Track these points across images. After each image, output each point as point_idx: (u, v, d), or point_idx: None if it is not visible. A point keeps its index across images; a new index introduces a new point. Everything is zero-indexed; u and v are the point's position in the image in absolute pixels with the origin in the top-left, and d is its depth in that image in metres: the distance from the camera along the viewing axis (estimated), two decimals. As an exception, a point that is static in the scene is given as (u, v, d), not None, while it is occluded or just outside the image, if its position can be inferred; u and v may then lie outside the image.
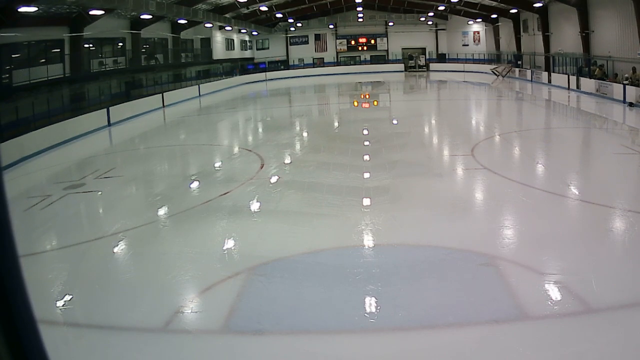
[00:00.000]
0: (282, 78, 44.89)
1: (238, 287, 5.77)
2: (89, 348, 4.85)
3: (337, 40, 49.82)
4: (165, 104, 27.04)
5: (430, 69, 47.39)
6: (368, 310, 5.24)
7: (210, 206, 9.15)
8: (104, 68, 24.90)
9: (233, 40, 43.87)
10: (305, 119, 23.14)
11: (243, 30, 43.61)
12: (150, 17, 25.38)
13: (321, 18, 49.00)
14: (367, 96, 32.24)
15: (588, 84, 24.00)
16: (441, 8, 41.48)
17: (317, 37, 50.11)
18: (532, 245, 6.73)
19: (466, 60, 44.63)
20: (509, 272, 5.85)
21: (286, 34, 49.71)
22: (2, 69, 18.22)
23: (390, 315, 5.08)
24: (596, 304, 5.05)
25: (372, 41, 49.62)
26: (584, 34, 25.97)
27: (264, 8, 38.67)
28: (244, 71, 45.19)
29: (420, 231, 7.48)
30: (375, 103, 28.62)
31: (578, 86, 25.24)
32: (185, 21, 29.98)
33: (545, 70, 30.60)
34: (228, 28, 38.43)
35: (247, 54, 48.13)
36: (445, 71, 44.31)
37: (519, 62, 36.17)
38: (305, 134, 18.45)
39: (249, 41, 48.56)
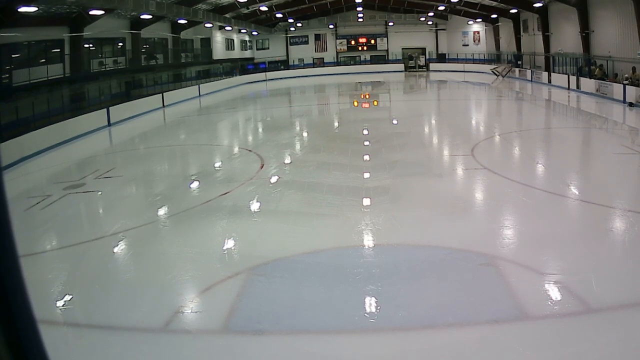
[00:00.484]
0: (282, 78, 44.90)
1: (238, 287, 5.77)
2: (89, 348, 4.85)
3: (337, 40, 49.83)
4: (165, 104, 27.04)
5: (430, 69, 47.41)
6: (368, 310, 5.24)
7: (210, 206, 9.15)
8: (104, 68, 24.89)
9: (233, 40, 43.87)
10: (305, 119, 23.14)
11: (243, 30, 43.61)
12: (150, 17, 25.38)
13: (321, 18, 49.01)
14: (367, 96, 32.25)
15: (588, 84, 24.00)
16: (441, 8, 41.48)
17: (317, 37, 50.12)
18: (532, 245, 6.73)
19: (466, 60, 44.63)
20: (509, 272, 5.85)
21: (286, 34, 49.72)
22: (2, 69, 18.22)
23: (390, 315, 5.07)
24: (596, 304, 5.04)
25: (372, 41, 49.62)
26: (584, 34, 25.97)
27: (264, 8, 38.67)
28: (244, 71, 45.19)
29: (420, 231, 7.48)
30: (375, 103, 28.62)
31: (578, 86, 25.24)
32: (185, 21, 29.98)
33: (545, 70, 30.60)
34: (228, 28, 38.43)
35: (247, 54, 48.14)
36: (445, 71, 44.32)
37: (519, 62, 36.17)
38: (305, 134, 18.45)
39: (249, 41, 48.57)
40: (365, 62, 49.24)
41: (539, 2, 29.27)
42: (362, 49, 49.71)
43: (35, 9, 17.26)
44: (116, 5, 21.13)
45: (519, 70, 35.19)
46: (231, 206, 9.19)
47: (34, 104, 17.23)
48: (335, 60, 49.80)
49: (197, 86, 33.22)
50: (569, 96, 24.71)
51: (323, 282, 5.87)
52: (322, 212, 8.49)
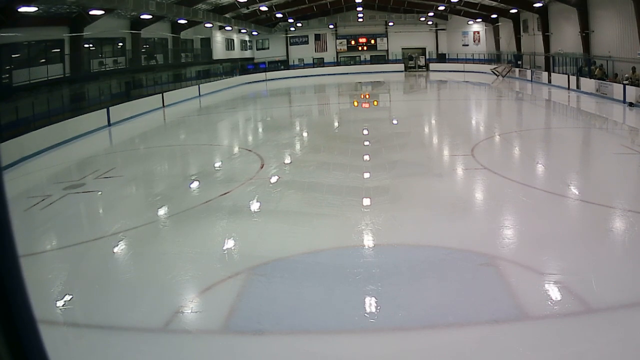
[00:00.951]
0: (282, 78, 44.88)
1: (238, 287, 5.77)
2: (89, 348, 4.85)
3: (337, 40, 49.83)
4: (165, 104, 27.04)
5: (430, 69, 47.41)
6: (368, 310, 5.24)
7: (210, 206, 9.15)
8: (104, 68, 24.90)
9: (233, 40, 43.87)
10: (305, 119, 23.15)
11: (243, 30, 43.61)
12: (150, 17, 25.38)
13: (321, 18, 49.01)
14: (367, 96, 32.25)
15: (588, 84, 24.00)
16: (441, 8, 41.48)
17: (317, 37, 50.12)
18: (532, 245, 6.73)
19: (466, 60, 44.63)
20: (509, 272, 5.85)
21: (286, 34, 49.72)
22: (2, 69, 18.22)
23: (390, 315, 5.07)
24: (596, 304, 5.04)
25: (372, 41, 49.62)
26: (584, 34, 25.97)
27: (264, 8, 38.68)
28: (244, 71, 45.19)
29: (420, 231, 7.48)
30: (375, 103, 28.62)
31: (578, 86, 25.24)
32: (185, 21, 29.98)
33: (545, 70, 30.60)
34: (228, 28, 38.43)
35: (247, 54, 48.14)
36: (445, 71, 44.32)
37: (519, 62, 36.17)
38: (305, 134, 18.45)
39: (249, 41, 48.57)
40: (365, 62, 49.24)
41: (539, 2, 29.28)
42: (362, 49, 49.71)
43: (35, 9, 17.26)
44: (116, 5, 21.13)
45: (519, 70, 35.19)
46: (231, 206, 9.19)
47: (34, 104, 17.24)
48: (335, 60, 49.80)
49: (197, 86, 33.22)
50: (569, 96, 24.71)
51: (323, 282, 5.87)
52: (322, 212, 8.49)
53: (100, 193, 10.78)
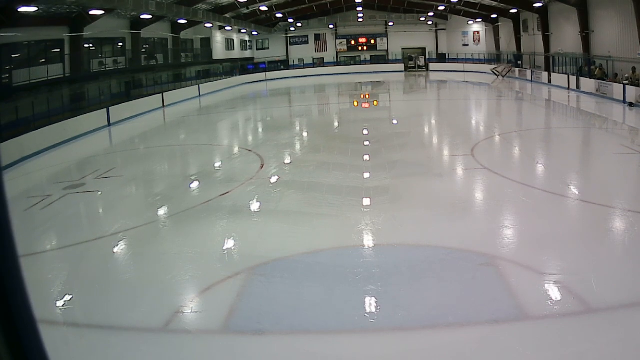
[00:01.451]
0: (282, 78, 44.89)
1: (238, 287, 5.77)
2: (89, 348, 4.85)
3: (337, 40, 49.83)
4: (165, 104, 27.04)
5: (430, 69, 47.41)
6: (368, 310, 5.23)
7: (210, 206, 9.15)
8: (104, 68, 24.89)
9: (233, 40, 43.87)
10: (305, 119, 23.15)
11: (243, 30, 43.61)
12: (150, 17, 25.38)
13: (321, 18, 49.01)
14: (367, 96, 32.25)
15: (588, 84, 24.00)
16: (441, 8, 41.48)
17: (317, 37, 50.12)
18: (532, 245, 6.72)
19: (466, 60, 44.63)
20: (509, 272, 5.85)
21: (286, 34, 49.72)
22: (2, 69, 18.22)
23: (390, 315, 5.07)
24: (596, 304, 5.04)
25: (372, 41, 49.63)
26: (584, 34, 25.97)
27: (264, 8, 38.67)
28: (244, 71, 45.19)
29: (420, 231, 7.48)
30: (375, 103, 28.62)
31: (578, 86, 25.24)
32: (185, 21, 29.98)
33: (545, 70, 30.60)
34: (228, 28, 38.43)
35: (247, 54, 48.14)
36: (445, 71, 44.32)
37: (519, 62, 36.17)
38: (305, 134, 18.45)
39: (249, 41, 48.57)
40: (365, 62, 49.24)
41: (539, 2, 29.28)
42: (362, 49, 49.71)
43: (35, 9, 17.26)
44: (116, 5, 21.14)
45: (519, 70, 35.19)
46: (231, 206, 9.19)
47: (34, 104, 17.23)
48: (335, 60, 49.80)
49: (197, 86, 33.22)
50: (569, 96, 24.71)
51: (323, 282, 5.87)
52: (322, 212, 8.49)
53: (100, 193, 10.78)
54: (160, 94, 27.32)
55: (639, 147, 12.98)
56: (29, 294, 0.99)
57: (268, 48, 49.90)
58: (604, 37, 24.45)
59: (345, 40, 49.69)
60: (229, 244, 7.39)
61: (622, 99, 20.02)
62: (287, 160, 13.12)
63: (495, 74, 37.43)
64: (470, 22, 44.35)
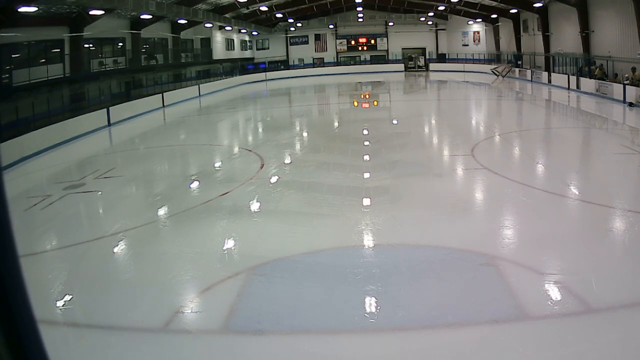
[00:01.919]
0: (282, 78, 44.89)
1: (238, 287, 5.77)
2: (89, 348, 4.85)
3: (337, 40, 49.84)
4: (165, 104, 27.04)
5: (430, 69, 47.41)
6: (368, 310, 5.23)
7: (210, 206, 9.15)
8: (104, 68, 24.89)
9: (233, 40, 43.87)
10: (305, 119, 23.15)
11: (243, 30, 43.61)
12: (150, 17, 25.38)
13: (321, 18, 49.01)
14: (367, 96, 32.25)
15: (588, 84, 24.00)
16: (441, 8, 41.48)
17: (317, 37, 50.12)
18: (532, 245, 6.72)
19: (466, 60, 44.63)
20: (509, 272, 5.85)
21: (286, 34, 49.72)
22: (2, 69, 18.22)
23: (390, 315, 5.07)
24: (596, 304, 5.04)
25: (372, 41, 49.63)
26: (584, 34, 25.97)
27: (264, 8, 38.67)
28: (244, 71, 45.19)
29: (420, 231, 7.48)
30: (375, 103, 28.62)
31: (578, 86, 25.24)
32: (185, 21, 29.98)
33: (545, 70, 30.60)
34: (228, 28, 38.43)
35: (247, 54, 48.13)
36: (445, 71, 44.32)
37: (519, 62, 36.17)
38: (305, 134, 18.45)
39: (249, 41, 48.57)
40: (365, 62, 49.25)
41: (539, 2, 29.28)
42: (362, 49, 49.71)
43: (35, 9, 17.26)
44: (116, 5, 21.13)
45: (519, 70, 35.19)
46: (231, 206, 9.19)
47: (34, 104, 17.23)
48: (335, 60, 49.80)
49: (197, 86, 33.22)
50: (569, 96, 24.71)
51: (323, 282, 5.87)
52: (322, 212, 8.49)
53: (100, 193, 10.78)
54: (160, 94, 27.31)
55: (639, 147, 12.98)
56: (29, 294, 0.99)
57: (268, 48, 49.90)
58: (604, 37, 24.45)
59: (345, 40, 49.70)
60: (229, 244, 7.39)
61: (622, 99, 20.02)
62: (287, 160, 13.12)
63: (495, 74, 37.43)
64: (470, 22, 44.35)
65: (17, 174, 12.63)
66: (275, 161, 12.83)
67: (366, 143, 15.08)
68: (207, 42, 38.14)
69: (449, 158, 12.82)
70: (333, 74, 45.64)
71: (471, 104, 25.86)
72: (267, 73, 46.10)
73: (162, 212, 9.30)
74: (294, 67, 49.05)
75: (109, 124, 20.60)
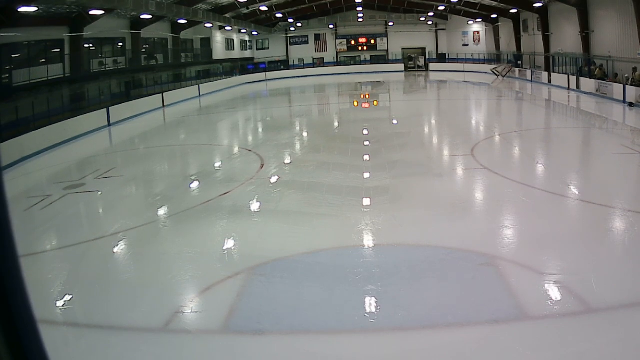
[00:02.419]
0: (282, 78, 44.89)
1: (238, 287, 5.77)
2: (89, 348, 4.85)
3: (337, 40, 49.84)
4: (165, 104, 27.04)
5: (430, 69, 47.42)
6: (368, 310, 5.23)
7: (210, 206, 9.15)
8: (104, 68, 24.89)
9: (233, 40, 43.87)
10: (305, 119, 23.14)
11: (243, 30, 43.61)
12: (150, 17, 25.38)
13: (321, 18, 49.01)
14: (367, 96, 32.25)
15: (588, 84, 24.00)
16: (441, 8, 41.48)
17: (317, 37, 50.12)
18: (532, 245, 6.72)
19: (466, 60, 44.64)
20: (509, 272, 5.85)
21: (286, 34, 49.72)
22: (2, 69, 18.22)
23: (390, 315, 5.07)
24: (596, 304, 5.04)
25: (372, 41, 49.64)
26: (584, 34, 25.97)
27: (264, 8, 38.68)
28: (244, 71, 45.19)
29: (420, 231, 7.48)
30: (375, 103, 28.62)
31: (578, 86, 25.24)
32: (185, 21, 29.98)
33: (545, 70, 30.60)
34: (228, 28, 38.43)
35: (247, 54, 48.14)
36: (445, 71, 44.32)
37: (519, 62, 36.17)
38: (305, 134, 18.45)
39: (249, 41, 48.57)
40: (365, 62, 49.25)
41: (539, 2, 29.28)
42: (362, 49, 49.72)
43: (35, 9, 17.26)
44: (116, 5, 21.13)
45: (519, 70, 35.19)
46: (231, 206, 9.19)
47: (34, 104, 17.23)
48: (335, 60, 49.80)
49: (197, 86, 33.22)
50: (569, 96, 24.72)
51: (323, 282, 5.87)
52: (322, 212, 8.48)
53: (100, 193, 10.78)
54: (160, 94, 27.31)
55: (639, 147, 12.98)
56: (29, 294, 0.99)
57: (268, 48, 49.90)
58: (604, 37, 24.45)
59: (345, 40, 49.70)
60: (229, 244, 7.39)
61: (622, 99, 20.02)
62: (287, 160, 13.12)
63: (495, 74, 37.43)
64: (470, 22, 44.36)
65: (17, 174, 12.64)
66: (275, 161, 12.83)
67: (366, 143, 15.08)
68: (207, 42, 38.15)
69: (449, 158, 12.82)
70: (333, 74, 45.65)
71: (471, 104, 25.86)
72: (267, 73, 46.10)
73: (162, 212, 9.30)
74: (294, 67, 49.06)
75: (109, 124, 20.59)
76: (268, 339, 4.79)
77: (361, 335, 4.79)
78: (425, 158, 12.63)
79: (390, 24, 49.07)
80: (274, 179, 10.90)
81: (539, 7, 30.14)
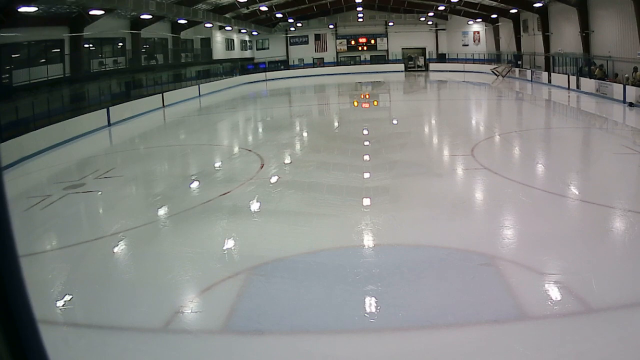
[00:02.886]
0: (282, 78, 44.90)
1: (238, 287, 5.77)
2: (88, 348, 4.85)
3: (337, 40, 49.85)
4: (165, 104, 27.05)
5: (430, 69, 47.42)
6: (368, 310, 5.23)
7: (211, 206, 9.15)
8: (104, 68, 24.90)
9: (233, 40, 43.88)
10: (305, 119, 23.14)
11: (243, 30, 43.62)
12: (150, 17, 25.39)
13: (321, 18, 49.01)
14: (367, 96, 32.25)
15: (588, 84, 24.00)
16: (441, 8, 41.49)
17: (317, 37, 50.13)
18: (532, 245, 6.72)
19: (466, 60, 44.64)
20: (509, 272, 5.85)
21: (286, 34, 49.73)
22: (2, 69, 18.22)
23: (390, 315, 5.07)
24: (596, 304, 5.04)
25: (372, 41, 49.65)
26: (584, 34, 25.97)
27: (264, 8, 38.67)
28: (244, 71, 45.20)
29: (420, 231, 7.48)
30: (375, 103, 28.62)
31: (578, 86, 25.24)
32: (185, 21, 29.98)
33: (545, 70, 30.60)
34: (228, 28, 38.44)
35: (247, 54, 48.14)
36: (445, 71, 44.32)
37: (519, 62, 36.17)
38: (305, 134, 18.45)
39: (249, 41, 48.58)
40: (365, 62, 49.26)
41: (539, 2, 29.27)
42: (362, 49, 49.73)
43: (35, 9, 17.27)
44: (116, 5, 21.14)
45: (519, 70, 35.19)
46: (231, 206, 9.19)
47: (34, 104, 17.23)
48: (335, 60, 49.81)
49: (197, 86, 33.22)
50: (569, 96, 24.71)
51: (323, 282, 5.87)
52: (322, 212, 8.48)
53: (100, 193, 10.78)
54: (160, 94, 27.32)
55: (639, 147, 12.97)
56: (29, 294, 0.99)
57: (268, 48, 49.91)
58: (604, 37, 24.45)
59: (345, 40, 49.71)
60: (229, 244, 7.39)
61: (622, 99, 20.02)
62: (287, 160, 13.12)
63: (495, 74, 37.43)
64: (470, 22, 44.36)
65: (17, 174, 12.64)
66: (275, 161, 12.83)
67: (366, 143, 15.07)
68: (207, 42, 38.15)
69: (449, 158, 12.82)
70: (333, 74, 45.65)
71: (471, 104, 25.86)
72: (267, 73, 46.11)
73: (162, 212, 9.30)
74: (294, 67, 49.07)
75: (109, 124, 20.60)
76: (268, 339, 4.79)
77: (361, 335, 4.79)
78: (425, 158, 12.63)
79: (390, 24, 49.08)
80: (274, 179, 10.90)
81: (539, 7, 30.14)
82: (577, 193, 9.21)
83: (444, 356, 4.46)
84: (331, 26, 49.37)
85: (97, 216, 9.63)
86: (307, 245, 7.07)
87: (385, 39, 49.63)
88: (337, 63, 49.34)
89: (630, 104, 19.28)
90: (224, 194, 9.82)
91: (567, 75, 26.96)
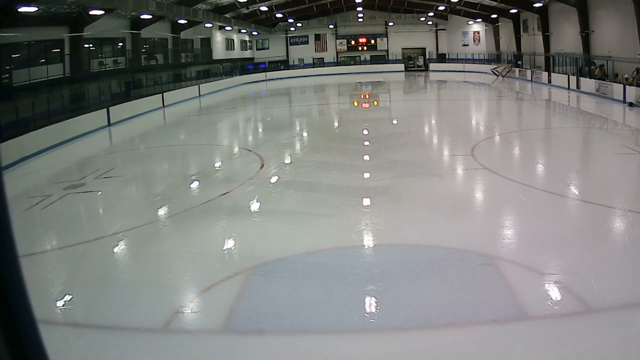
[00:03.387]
0: (282, 78, 44.91)
1: (238, 287, 5.77)
2: (88, 348, 4.85)
3: (337, 40, 49.86)
4: (165, 104, 27.05)
5: (430, 69, 47.44)
6: (368, 310, 5.24)
7: (210, 206, 9.15)
8: (104, 68, 24.90)
9: (233, 40, 43.88)
10: (305, 119, 23.14)
11: (243, 30, 43.62)
12: (150, 17, 25.39)
13: (321, 18, 49.02)
14: (367, 96, 32.25)
15: (588, 84, 24.00)
16: (441, 8, 41.49)
17: (317, 37, 50.14)
18: (532, 245, 6.72)
19: (466, 60, 44.65)
20: (509, 272, 5.85)
21: (286, 34, 49.73)
22: (2, 69, 18.22)
23: (390, 315, 5.07)
24: (596, 304, 5.04)
25: (372, 41, 49.66)
26: (584, 34, 25.97)
27: (264, 8, 38.68)
28: (244, 71, 45.20)
29: (420, 231, 7.48)
30: (375, 103, 28.62)
31: (578, 86, 25.24)
32: (185, 21, 29.99)
33: (545, 70, 30.60)
34: (228, 28, 38.44)
35: (247, 54, 48.15)
36: (445, 71, 44.33)
37: (519, 62, 36.17)
38: (305, 134, 18.45)
39: (249, 41, 48.59)
40: (365, 62, 49.27)
41: (539, 2, 29.28)
42: (362, 49, 49.74)
43: (35, 9, 17.27)
44: (116, 5, 21.14)
45: (519, 70, 35.19)
46: (231, 206, 9.19)
47: (34, 104, 17.23)
48: (335, 60, 49.82)
49: (197, 86, 33.23)
50: (569, 96, 24.72)
51: (323, 282, 5.87)
52: (322, 212, 8.48)
53: (100, 193, 10.78)
54: (160, 94, 27.32)
55: (639, 147, 12.97)
56: (29, 294, 0.99)
57: (268, 48, 49.92)
58: (604, 37, 24.45)
59: (345, 40, 49.72)
60: (229, 243, 7.39)
61: (622, 99, 20.03)
62: (287, 160, 13.12)
63: (495, 74, 37.43)
64: (470, 22, 44.37)
65: (17, 174, 12.64)
66: (275, 161, 12.83)
67: (366, 143, 15.07)
68: (207, 42, 38.15)
69: (449, 158, 12.82)
70: (333, 74, 45.66)
71: (471, 104, 25.86)
72: (267, 73, 46.12)
73: (162, 212, 9.30)
74: (294, 67, 49.08)
75: (109, 124, 20.60)
76: (268, 339, 4.79)
77: (361, 335, 4.79)
78: (425, 158, 12.63)
79: (390, 24, 49.09)
80: (274, 179, 10.90)
81: (539, 7, 30.14)
82: (577, 193, 9.22)
83: (444, 356, 4.46)
84: (331, 26, 49.38)
85: (97, 216, 9.63)
86: (307, 245, 7.07)
87: (385, 39, 49.65)
88: (337, 63, 49.35)
89: (630, 104, 19.28)
90: (224, 194, 9.82)
91: (567, 75, 26.96)
